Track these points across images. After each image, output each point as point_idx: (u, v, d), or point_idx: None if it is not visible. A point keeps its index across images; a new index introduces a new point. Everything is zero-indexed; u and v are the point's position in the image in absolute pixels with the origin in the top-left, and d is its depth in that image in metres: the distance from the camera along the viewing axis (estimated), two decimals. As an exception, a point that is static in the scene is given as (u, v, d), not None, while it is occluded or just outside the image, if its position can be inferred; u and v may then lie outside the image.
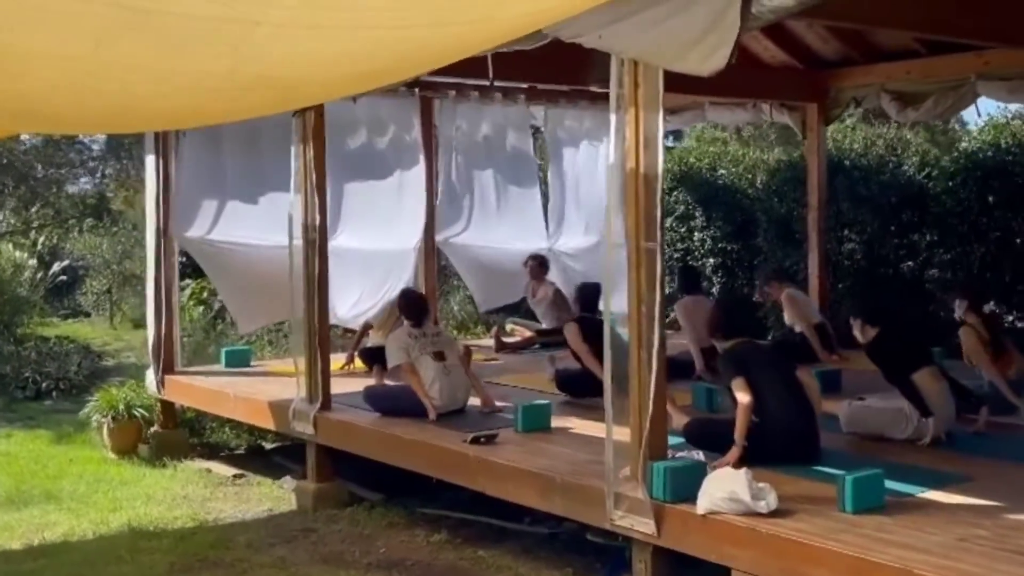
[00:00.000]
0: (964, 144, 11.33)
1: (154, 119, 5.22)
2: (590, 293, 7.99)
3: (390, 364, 7.25)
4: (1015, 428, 6.59)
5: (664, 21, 4.82)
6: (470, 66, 6.16)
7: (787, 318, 9.50)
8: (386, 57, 3.92)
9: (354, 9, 3.04)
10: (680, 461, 5.27)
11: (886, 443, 6.24)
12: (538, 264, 10.95)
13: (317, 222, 7.44)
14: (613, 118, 5.19)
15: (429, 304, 7.69)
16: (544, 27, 4.66)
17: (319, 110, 7.49)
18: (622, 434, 5.24)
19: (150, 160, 9.44)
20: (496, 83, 10.54)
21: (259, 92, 4.22)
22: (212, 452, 9.44)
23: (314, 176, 7.42)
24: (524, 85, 10.77)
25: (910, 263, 11.05)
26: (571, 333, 7.80)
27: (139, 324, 18.83)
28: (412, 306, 7.71)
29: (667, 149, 8.81)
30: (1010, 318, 9.83)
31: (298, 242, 7.67)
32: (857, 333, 6.65)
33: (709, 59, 4.76)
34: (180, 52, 3.26)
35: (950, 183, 10.53)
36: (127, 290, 20.68)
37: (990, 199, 10.06)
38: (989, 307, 7.33)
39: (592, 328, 7.89)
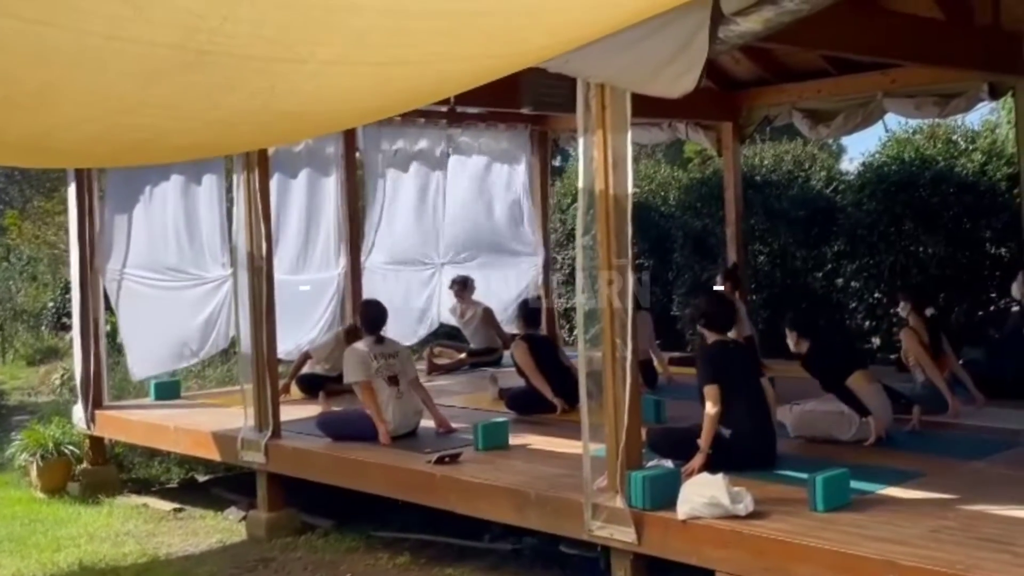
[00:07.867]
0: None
1: (166, 153, 5.13)
2: (533, 310, 8.10)
3: (348, 379, 7.17)
4: (948, 425, 6.94)
5: (633, 46, 4.97)
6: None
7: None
8: (408, 89, 3.98)
9: (397, 47, 3.10)
10: (657, 470, 5.42)
11: (834, 445, 6.50)
12: (462, 285, 10.94)
13: (264, 250, 7.38)
14: (581, 140, 5.35)
15: (386, 314, 7.66)
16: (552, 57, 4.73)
17: (262, 138, 7.47)
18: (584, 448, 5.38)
19: (71, 191, 9.26)
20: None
21: (276, 126, 4.23)
22: (143, 487, 9.27)
23: (260, 204, 7.37)
24: (444, 108, 10.86)
25: (818, 274, 11.51)
26: (520, 352, 7.87)
27: (32, 361, 18.28)
28: (371, 315, 7.55)
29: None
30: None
31: (242, 270, 7.60)
32: (791, 344, 6.92)
33: (678, 82, 4.95)
34: (223, 91, 3.27)
35: (857, 196, 11.00)
36: (18, 326, 20.01)
37: (896, 211, 10.53)
38: (931, 311, 7.65)
39: (540, 345, 8.03)
